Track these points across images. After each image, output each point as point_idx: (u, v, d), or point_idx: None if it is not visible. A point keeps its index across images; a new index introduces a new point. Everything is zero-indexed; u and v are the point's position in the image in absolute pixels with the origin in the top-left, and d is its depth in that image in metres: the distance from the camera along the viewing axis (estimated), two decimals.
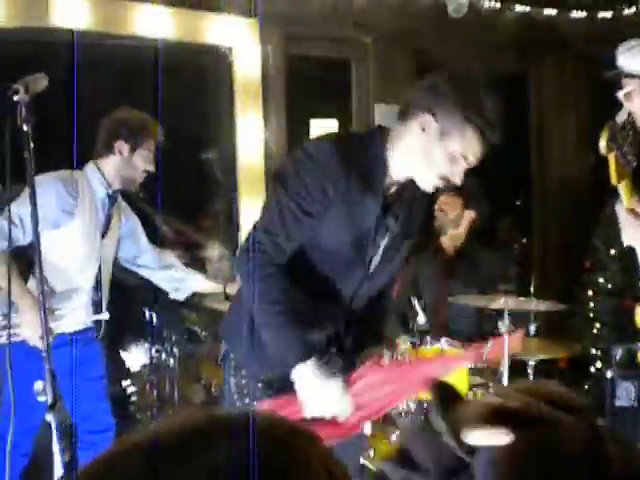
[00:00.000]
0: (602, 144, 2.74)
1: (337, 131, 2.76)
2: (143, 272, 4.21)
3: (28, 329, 3.43)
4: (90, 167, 3.86)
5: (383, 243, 2.69)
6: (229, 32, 5.22)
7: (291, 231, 2.54)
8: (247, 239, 2.59)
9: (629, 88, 2.89)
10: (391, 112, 5.82)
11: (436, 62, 6.25)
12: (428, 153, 2.49)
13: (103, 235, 3.87)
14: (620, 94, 2.91)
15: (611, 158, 2.72)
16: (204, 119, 5.91)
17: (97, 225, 3.83)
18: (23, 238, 3.47)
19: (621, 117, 2.86)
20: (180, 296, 4.27)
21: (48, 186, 3.57)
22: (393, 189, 2.65)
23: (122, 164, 3.84)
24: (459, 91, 2.45)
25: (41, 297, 2.30)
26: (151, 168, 3.90)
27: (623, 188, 2.72)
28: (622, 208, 2.67)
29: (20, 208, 3.32)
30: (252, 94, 5.28)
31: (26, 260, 3.60)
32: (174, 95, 5.25)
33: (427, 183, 2.57)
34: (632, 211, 2.63)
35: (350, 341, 2.81)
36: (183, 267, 4.26)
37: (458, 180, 2.53)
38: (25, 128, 2.15)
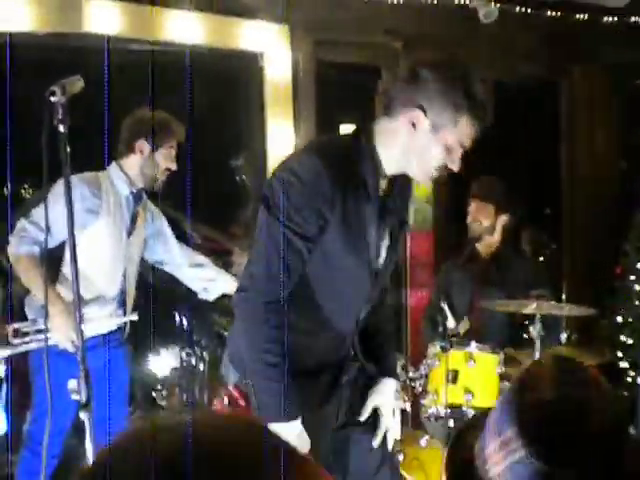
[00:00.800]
0: None
1: (318, 139, 2.58)
2: (172, 270, 4.23)
3: (58, 333, 3.47)
4: (113, 167, 3.91)
5: (385, 244, 2.61)
6: (260, 38, 5.24)
7: (289, 261, 2.38)
8: (243, 276, 2.47)
9: None
10: None
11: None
12: (424, 149, 2.41)
13: (129, 234, 3.90)
14: None
15: None
16: (235, 125, 5.93)
17: (123, 224, 3.86)
18: (51, 241, 3.51)
19: None
20: (209, 296, 4.29)
21: (72, 188, 3.60)
22: (384, 185, 2.54)
23: (144, 163, 3.89)
24: (445, 81, 2.35)
25: (76, 298, 2.32)
26: (173, 166, 3.95)
27: None
28: None
29: (47, 211, 3.36)
30: (282, 100, 5.30)
31: (52, 264, 3.65)
32: (205, 101, 5.29)
33: (424, 176, 2.50)
34: None
35: (367, 354, 2.75)
36: (213, 267, 4.28)
37: (456, 167, 2.45)
38: (62, 129, 2.17)
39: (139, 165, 3.89)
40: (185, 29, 4.97)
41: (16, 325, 3.60)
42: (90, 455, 2.30)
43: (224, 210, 6.48)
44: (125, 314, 3.93)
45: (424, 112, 2.37)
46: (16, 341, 3.56)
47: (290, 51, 5.32)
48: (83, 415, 2.29)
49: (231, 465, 0.73)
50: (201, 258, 4.29)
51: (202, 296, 4.33)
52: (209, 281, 4.24)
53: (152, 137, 3.84)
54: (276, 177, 2.42)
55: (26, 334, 3.59)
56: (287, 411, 2.39)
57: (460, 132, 2.38)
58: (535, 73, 6.55)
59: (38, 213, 3.59)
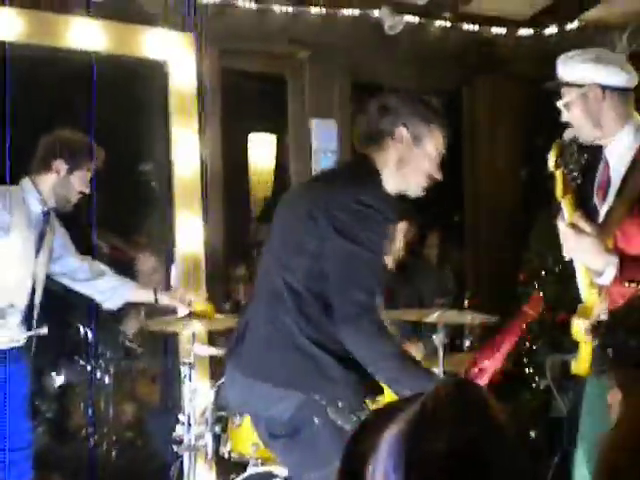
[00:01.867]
0: (551, 161, 2.88)
1: (351, 167, 2.95)
2: (75, 285, 4.17)
3: None
4: (26, 183, 3.83)
5: None
6: (164, 45, 5.18)
7: (380, 278, 2.95)
8: (347, 303, 2.69)
9: (568, 98, 2.95)
10: (326, 127, 5.91)
11: (371, 78, 6.30)
12: (412, 161, 2.90)
13: (37, 252, 3.83)
14: (560, 104, 2.97)
15: (558, 174, 2.85)
16: (139, 133, 5.87)
17: (32, 242, 3.78)
18: None
19: (568, 135, 2.97)
20: (112, 305, 4.25)
21: None
22: None
23: (58, 183, 3.83)
24: (410, 103, 2.92)
25: None
26: (86, 190, 3.92)
27: (566, 203, 2.81)
28: (563, 222, 2.72)
29: None
30: (188, 108, 5.24)
31: None
32: (109, 108, 5.21)
33: (418, 187, 2.95)
34: (574, 225, 2.68)
35: None
36: (115, 275, 4.24)
37: (439, 175, 2.95)
38: None
39: (53, 184, 3.84)
40: (88, 36, 4.88)
41: None
42: None
43: (129, 218, 6.40)
44: (30, 328, 3.84)
45: (406, 128, 2.87)
46: None
47: (195, 59, 5.27)
48: None
49: None
50: (102, 267, 4.24)
51: (106, 306, 4.27)
52: (111, 290, 4.19)
53: (71, 158, 3.79)
54: (344, 208, 2.73)
55: None
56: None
57: (435, 140, 2.92)
58: (439, 84, 6.62)
59: None
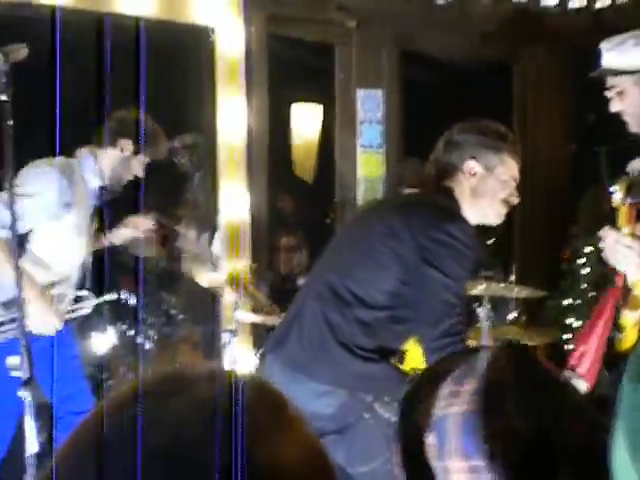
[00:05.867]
0: (617, 197, 2.74)
1: (447, 206, 2.98)
2: None
3: (37, 318, 3.39)
4: (87, 157, 3.81)
5: None
6: (211, 11, 5.17)
7: (464, 305, 2.97)
8: (432, 340, 2.82)
9: (621, 86, 2.85)
10: (374, 96, 5.87)
11: (419, 48, 6.24)
12: (487, 190, 2.96)
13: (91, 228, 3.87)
14: (611, 93, 2.88)
15: (624, 209, 2.73)
16: (184, 101, 5.86)
17: (88, 217, 3.81)
18: (22, 228, 3.44)
19: (635, 167, 2.91)
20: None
21: (51, 177, 3.55)
22: None
23: (119, 161, 3.82)
24: (479, 135, 2.98)
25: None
26: (140, 175, 3.90)
27: (621, 215, 2.71)
28: (611, 233, 2.69)
29: (23, 196, 3.32)
30: (234, 75, 5.23)
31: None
32: (154, 75, 5.21)
33: (496, 216, 3.05)
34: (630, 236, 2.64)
35: None
36: None
37: (515, 199, 3.02)
38: (4, 97, 2.11)
39: (116, 162, 3.83)
40: (134, 1, 4.89)
41: None
42: (30, 436, 2.25)
43: (172, 190, 6.41)
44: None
45: (476, 160, 2.94)
46: None
47: (242, 26, 5.25)
48: (22, 394, 2.24)
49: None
50: None
51: None
52: None
53: (138, 141, 3.81)
54: (434, 239, 2.83)
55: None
56: None
57: (507, 166, 2.98)
58: (490, 56, 6.55)
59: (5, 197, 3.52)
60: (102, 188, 3.85)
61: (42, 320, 3.42)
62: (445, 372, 1.23)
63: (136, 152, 3.85)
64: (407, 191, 4.82)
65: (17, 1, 4.51)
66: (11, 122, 2.14)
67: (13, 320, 3.45)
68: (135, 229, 4.20)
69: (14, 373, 2.30)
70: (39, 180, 3.52)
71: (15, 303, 3.42)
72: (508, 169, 2.99)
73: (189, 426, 0.76)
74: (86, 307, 3.86)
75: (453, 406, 1.18)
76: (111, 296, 3.92)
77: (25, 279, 3.29)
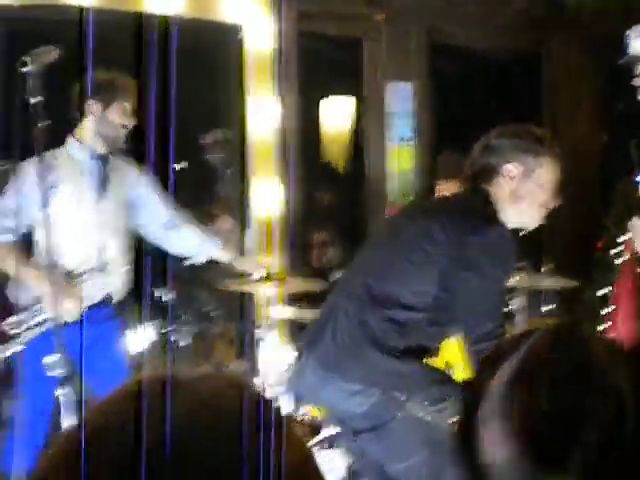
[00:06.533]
0: None
1: (484, 210, 2.97)
2: (157, 235, 4.15)
3: (60, 305, 3.40)
4: (69, 139, 3.82)
5: None
6: (241, 8, 5.17)
7: (504, 306, 3.14)
8: (480, 345, 2.83)
9: None
10: (403, 89, 5.85)
11: (448, 40, 6.21)
12: (527, 193, 2.94)
13: (99, 199, 3.81)
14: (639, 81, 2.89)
15: None
16: (214, 99, 5.88)
17: (88, 191, 3.76)
18: (21, 226, 3.47)
19: None
20: (197, 259, 4.26)
21: (26, 170, 3.52)
22: None
23: (96, 124, 3.79)
24: (515, 139, 2.97)
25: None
26: (129, 122, 3.85)
27: None
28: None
29: (7, 197, 3.33)
30: (265, 70, 5.24)
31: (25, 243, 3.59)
32: (184, 73, 5.22)
33: (535, 220, 3.07)
34: None
35: None
36: (198, 229, 4.23)
37: (555, 202, 3.04)
38: (33, 100, 2.13)
39: (92, 127, 3.80)
40: (163, 0, 4.90)
41: (11, 319, 3.53)
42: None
43: (205, 186, 6.41)
44: (108, 282, 3.85)
45: (515, 164, 2.94)
46: (17, 332, 3.50)
47: (272, 22, 5.26)
48: (60, 392, 2.26)
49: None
50: (186, 218, 4.22)
51: (191, 259, 4.27)
52: (199, 243, 4.17)
53: (101, 95, 3.75)
54: (471, 243, 2.82)
55: (23, 323, 3.53)
56: None
57: (546, 169, 2.97)
58: (516, 45, 6.51)
59: (3, 202, 3.53)
60: (97, 158, 3.81)
61: (65, 305, 3.42)
62: (506, 354, 1.22)
63: (105, 107, 3.78)
64: (442, 186, 4.81)
65: (43, 2, 4.53)
66: (45, 123, 2.15)
67: (35, 317, 3.49)
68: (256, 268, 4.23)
69: (51, 373, 2.31)
70: (20, 177, 3.51)
71: (36, 302, 3.49)
72: (547, 172, 2.98)
73: (182, 429, 0.75)
74: (108, 285, 3.83)
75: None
76: (125, 267, 3.88)
77: (34, 273, 3.34)
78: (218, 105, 5.94)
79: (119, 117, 3.81)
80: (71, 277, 3.63)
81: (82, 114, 3.78)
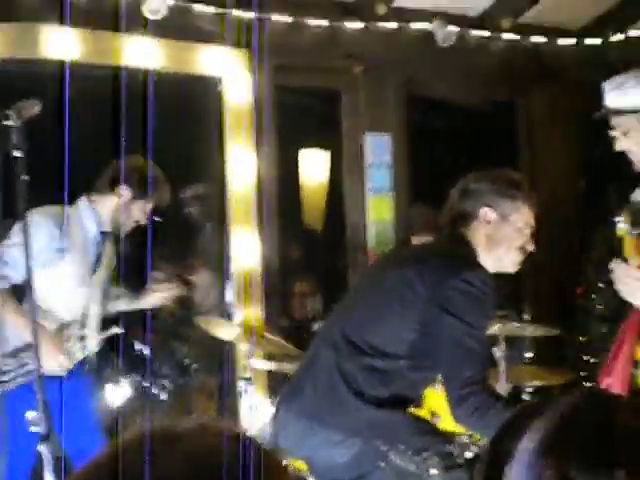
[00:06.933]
0: (621, 226, 2.84)
1: (464, 253, 2.97)
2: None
3: (49, 359, 3.39)
4: (84, 203, 3.83)
5: None
6: (219, 62, 5.22)
7: (487, 353, 3.08)
8: (457, 380, 2.78)
9: (625, 126, 2.84)
10: (381, 141, 5.90)
11: (426, 92, 6.27)
12: (503, 237, 2.97)
13: (93, 272, 3.85)
14: (616, 132, 2.88)
15: (628, 239, 2.81)
16: (194, 150, 5.89)
17: (88, 263, 3.80)
18: (18, 277, 3.45)
19: (636, 196, 2.97)
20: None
21: (39, 224, 3.53)
22: None
23: (119, 208, 3.82)
24: (494, 184, 3.00)
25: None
26: (143, 221, 3.90)
27: (631, 248, 2.79)
28: (621, 266, 2.73)
29: (13, 246, 3.32)
30: (242, 124, 5.27)
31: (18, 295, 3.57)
32: (164, 125, 5.23)
33: (513, 264, 3.05)
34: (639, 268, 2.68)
35: None
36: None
37: (532, 246, 3.04)
38: (17, 154, 2.12)
39: (113, 208, 3.83)
40: (143, 54, 4.94)
41: None
42: None
43: (183, 240, 6.41)
44: (85, 347, 3.85)
45: (492, 208, 2.97)
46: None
47: (250, 75, 5.29)
48: (42, 448, 2.23)
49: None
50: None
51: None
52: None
53: (136, 187, 3.81)
54: (452, 287, 2.80)
55: (6, 372, 3.50)
56: None
57: (522, 213, 3.00)
58: (494, 94, 6.58)
59: (4, 248, 3.52)
60: (102, 234, 3.86)
61: (53, 360, 3.43)
62: (532, 416, 1.21)
63: (134, 199, 3.84)
64: (417, 238, 4.84)
65: (25, 57, 4.55)
66: (26, 177, 2.15)
67: (22, 366, 3.47)
68: (162, 296, 4.22)
69: (33, 428, 2.29)
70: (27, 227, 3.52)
71: (24, 350, 3.46)
72: (523, 216, 3.00)
73: None
74: (92, 342, 3.83)
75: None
76: (117, 330, 3.90)
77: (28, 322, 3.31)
78: (198, 157, 5.97)
79: (140, 214, 3.87)
80: (60, 329, 3.64)
81: (110, 189, 3.80)
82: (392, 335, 2.88)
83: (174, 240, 6.20)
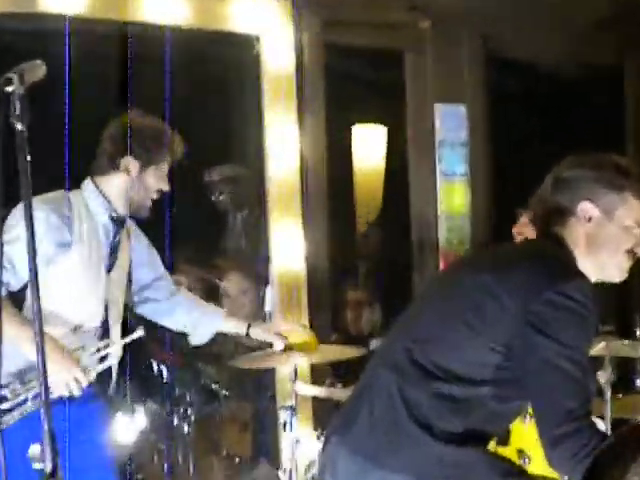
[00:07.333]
0: None
1: (560, 258, 2.95)
2: (157, 310, 4.18)
3: (62, 374, 3.41)
4: (89, 187, 3.81)
5: None
6: (257, 17, 5.23)
7: (591, 379, 2.96)
8: (556, 413, 2.72)
9: None
10: (455, 113, 5.87)
11: (509, 52, 6.23)
12: (607, 237, 2.87)
13: (109, 269, 3.83)
14: None
15: None
16: (224, 124, 5.91)
17: (100, 257, 3.79)
18: (15, 282, 3.47)
19: None
20: (201, 340, 4.24)
21: (37, 214, 3.51)
22: None
23: (130, 184, 3.79)
24: (595, 171, 2.91)
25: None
26: (165, 187, 3.85)
27: None
28: None
29: (8, 245, 3.32)
30: (284, 92, 5.27)
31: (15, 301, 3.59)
32: (185, 94, 5.25)
33: (620, 269, 2.92)
34: None
35: None
36: (200, 301, 4.26)
37: None
38: (19, 127, 2.11)
39: (124, 187, 3.79)
40: (164, 8, 4.95)
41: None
42: None
43: (211, 233, 6.43)
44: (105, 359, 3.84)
45: (593, 203, 2.87)
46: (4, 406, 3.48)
47: (293, 33, 5.30)
48: None
49: None
50: (188, 293, 4.29)
51: (193, 341, 4.27)
52: (198, 320, 4.19)
53: (144, 153, 3.75)
54: (545, 301, 2.73)
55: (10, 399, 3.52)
56: None
57: (631, 210, 2.89)
58: (594, 58, 6.53)
59: None
60: (115, 221, 3.83)
61: (62, 374, 3.42)
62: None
63: (145, 167, 3.80)
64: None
65: (27, 12, 4.58)
66: (29, 157, 2.13)
67: (29, 390, 3.48)
68: (279, 337, 4.21)
69: (36, 465, 2.29)
70: (21, 221, 3.46)
71: (30, 372, 3.48)
72: (632, 212, 2.91)
73: None
74: (111, 354, 3.82)
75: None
76: (138, 333, 3.86)
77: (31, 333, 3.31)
78: (229, 133, 5.98)
79: (157, 181, 3.83)
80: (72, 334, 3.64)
81: (113, 165, 3.79)
82: (470, 356, 2.85)
83: (198, 235, 6.23)
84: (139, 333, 3.82)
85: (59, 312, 3.63)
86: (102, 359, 3.75)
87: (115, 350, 3.79)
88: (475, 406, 2.82)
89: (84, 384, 3.50)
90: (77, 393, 3.47)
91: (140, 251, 4.05)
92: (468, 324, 2.84)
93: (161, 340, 5.10)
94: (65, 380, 3.44)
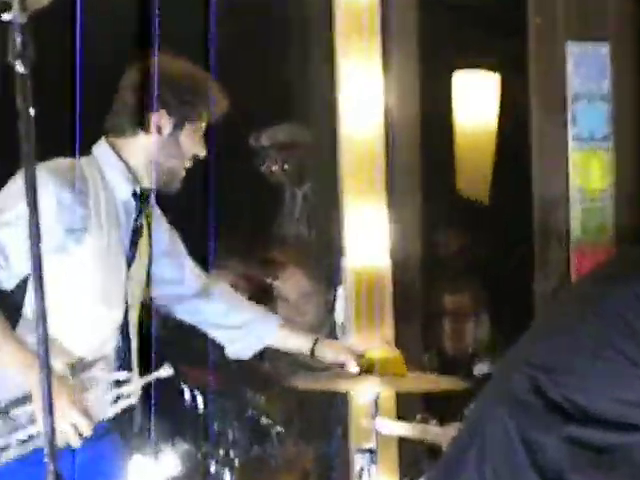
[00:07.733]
0: None
1: None
2: (188, 308, 4.20)
3: (65, 418, 3.44)
4: (106, 152, 3.82)
5: None
6: None
7: None
8: None
9: None
10: (595, 55, 5.84)
11: None
12: None
13: (129, 264, 3.84)
14: None
15: None
16: (281, 69, 5.94)
17: (120, 248, 3.79)
18: (7, 280, 3.50)
19: None
20: (242, 352, 4.26)
21: (43, 190, 3.50)
22: None
23: (160, 147, 3.80)
24: None
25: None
26: (202, 152, 3.87)
27: None
28: None
29: (5, 227, 3.36)
30: (363, 29, 5.27)
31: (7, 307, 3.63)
32: (235, 32, 5.28)
33: None
34: None
35: None
36: (248, 304, 4.28)
37: None
38: (21, 69, 2.12)
39: (151, 151, 3.81)
40: None
41: None
42: None
43: (255, 223, 6.47)
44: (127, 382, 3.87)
45: None
46: None
47: None
48: None
49: None
50: (228, 292, 4.31)
51: (232, 353, 4.28)
52: (239, 328, 4.20)
53: (179, 106, 3.78)
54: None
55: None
56: None
57: None
58: None
59: None
60: (138, 197, 3.83)
61: (59, 421, 3.44)
62: None
63: (180, 125, 3.81)
64: None
65: None
66: (32, 110, 2.14)
67: (14, 430, 3.52)
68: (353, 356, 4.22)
69: None
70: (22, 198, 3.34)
71: (19, 405, 3.52)
72: None
73: None
74: (129, 394, 3.84)
75: None
76: (166, 371, 3.86)
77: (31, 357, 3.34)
78: (286, 84, 6.00)
79: (193, 142, 3.84)
80: (79, 369, 3.66)
81: (139, 123, 3.79)
82: (616, 392, 2.85)
83: (244, 219, 6.26)
84: (167, 371, 3.83)
85: (68, 329, 3.64)
86: (117, 398, 3.79)
87: (135, 389, 3.82)
88: (623, 458, 2.82)
89: (86, 432, 3.53)
90: (76, 445, 3.49)
91: (160, 237, 4.06)
92: (619, 350, 2.84)
93: (195, 356, 5.12)
94: (59, 428, 3.45)
